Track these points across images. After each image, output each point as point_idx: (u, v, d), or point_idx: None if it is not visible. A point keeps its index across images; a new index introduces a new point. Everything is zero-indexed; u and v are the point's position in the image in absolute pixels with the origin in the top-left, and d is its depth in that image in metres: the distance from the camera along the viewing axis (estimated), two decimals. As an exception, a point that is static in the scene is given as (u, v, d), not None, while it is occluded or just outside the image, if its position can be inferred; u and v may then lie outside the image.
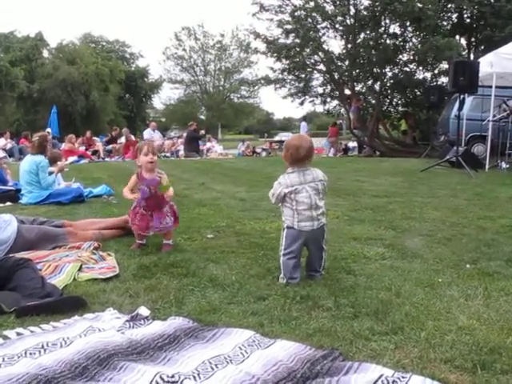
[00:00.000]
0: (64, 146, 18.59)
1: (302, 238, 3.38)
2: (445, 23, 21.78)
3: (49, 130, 21.11)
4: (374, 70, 22.84)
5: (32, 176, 7.12)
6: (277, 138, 33.99)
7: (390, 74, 23.37)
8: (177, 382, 1.95)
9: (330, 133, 23.36)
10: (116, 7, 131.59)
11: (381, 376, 2.00)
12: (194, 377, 2.06)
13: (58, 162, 8.17)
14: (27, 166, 7.21)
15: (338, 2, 21.66)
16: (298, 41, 22.69)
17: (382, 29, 21.72)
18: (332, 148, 23.59)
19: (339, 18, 21.92)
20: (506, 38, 14.69)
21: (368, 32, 22.30)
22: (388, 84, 23.46)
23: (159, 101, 57.54)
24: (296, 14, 22.41)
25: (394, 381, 1.98)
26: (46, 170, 7.23)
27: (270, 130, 66.81)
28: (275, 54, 23.33)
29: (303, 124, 25.20)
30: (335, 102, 26.34)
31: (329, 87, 25.14)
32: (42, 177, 7.14)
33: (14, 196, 7.39)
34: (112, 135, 22.50)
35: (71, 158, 16.50)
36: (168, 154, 21.07)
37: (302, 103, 25.75)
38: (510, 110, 12.37)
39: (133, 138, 21.07)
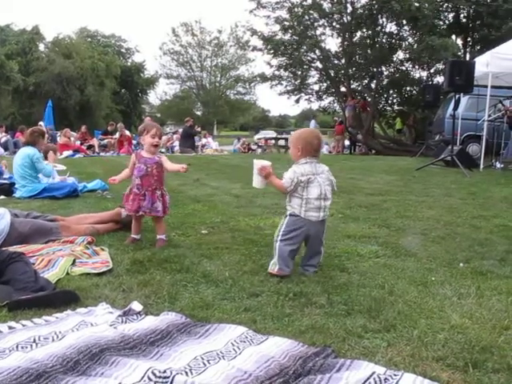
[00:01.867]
0: (59, 140, 18.55)
1: (305, 227, 3.39)
2: (441, 23, 21.81)
3: (41, 123, 21.03)
4: (370, 68, 22.87)
5: (25, 170, 7.09)
6: (258, 136, 33.09)
7: (386, 72, 23.42)
8: (169, 377, 1.95)
9: (336, 130, 23.34)
10: (112, 1, 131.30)
11: (373, 373, 2.00)
12: (186, 372, 2.06)
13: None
14: (20, 160, 7.19)
15: (335, 0, 21.66)
16: (294, 38, 22.69)
17: (379, 27, 21.74)
18: (336, 145, 23.56)
19: (336, 16, 21.92)
20: (502, 38, 14.71)
21: (364, 30, 22.32)
22: (384, 82, 23.49)
23: (155, 96, 57.55)
24: (293, 11, 22.40)
25: (385, 378, 1.98)
26: (41, 161, 7.21)
27: (266, 127, 66.84)
28: (272, 51, 23.32)
29: (312, 122, 25.12)
30: (331, 100, 26.40)
31: (325, 85, 25.16)
32: (39, 167, 7.13)
33: (8, 189, 7.36)
34: (108, 130, 22.48)
35: (66, 152, 16.46)
36: (163, 150, 21.04)
37: (297, 100, 25.81)
38: (505, 110, 12.40)
39: (127, 132, 21.02)
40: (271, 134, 37.26)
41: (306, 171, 3.39)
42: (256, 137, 33.26)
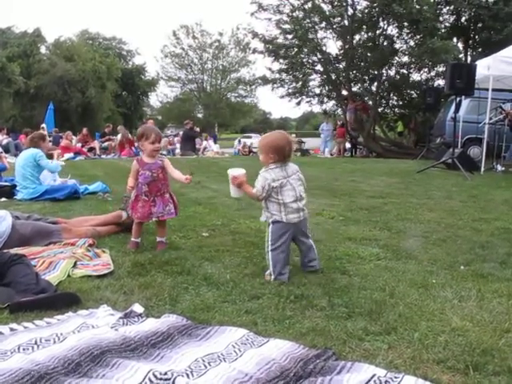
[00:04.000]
0: (61, 142, 18.61)
1: (290, 230, 3.44)
2: (442, 25, 21.82)
3: (43, 125, 21.09)
4: (371, 71, 22.89)
5: (27, 170, 7.12)
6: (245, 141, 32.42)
7: (386, 75, 23.43)
8: (169, 379, 1.95)
9: (338, 133, 23.31)
10: (112, 4, 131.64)
11: (373, 376, 2.00)
12: (187, 374, 2.06)
13: (55, 159, 8.20)
14: (23, 161, 7.23)
15: (335, 3, 21.67)
16: (295, 41, 22.71)
17: (380, 30, 21.76)
18: (337, 148, 23.52)
19: (337, 19, 21.94)
20: (503, 41, 14.73)
21: (365, 33, 22.34)
22: (385, 85, 23.49)
23: (156, 98, 57.61)
24: (294, 14, 22.43)
25: (386, 381, 1.98)
26: (44, 158, 7.30)
27: (267, 129, 66.78)
28: (273, 54, 23.35)
29: (324, 124, 24.97)
30: (332, 103, 26.41)
31: (326, 88, 25.16)
32: (44, 164, 7.25)
33: (9, 192, 7.37)
34: (105, 132, 22.51)
35: (67, 155, 16.49)
36: (164, 153, 21.05)
37: (298, 103, 25.82)
38: (506, 113, 12.41)
39: (130, 136, 20.98)
40: (255, 138, 37.05)
41: (277, 176, 3.40)
42: (236, 141, 32.99)
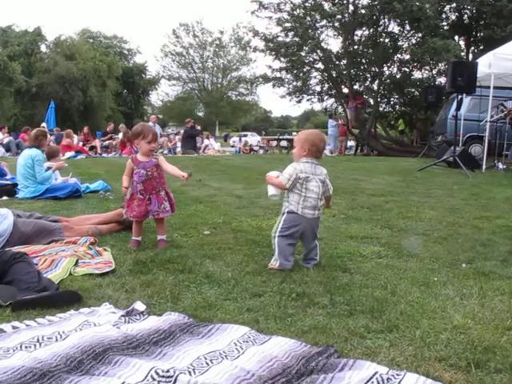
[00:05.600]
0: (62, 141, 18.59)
1: (302, 224, 3.54)
2: (444, 23, 21.77)
3: (44, 124, 21.10)
4: (372, 69, 22.87)
5: (27, 170, 7.11)
6: (233, 139, 32.70)
7: (387, 73, 23.41)
8: (172, 376, 1.95)
9: (340, 131, 23.30)
10: (113, 2, 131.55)
11: (375, 373, 2.00)
12: (189, 372, 2.07)
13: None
14: (23, 160, 7.21)
15: (336, 1, 21.63)
16: (296, 39, 22.68)
17: (381, 28, 21.73)
18: (338, 146, 23.52)
19: (338, 17, 21.90)
20: (506, 38, 14.69)
21: (366, 31, 22.30)
22: (386, 83, 23.45)
23: (157, 97, 57.64)
24: (295, 12, 22.40)
25: (388, 378, 1.99)
26: (41, 164, 7.21)
27: (268, 127, 66.88)
28: (273, 52, 23.32)
29: (330, 121, 24.96)
30: (333, 101, 26.40)
31: (326, 85, 25.14)
32: (37, 171, 7.13)
33: (10, 190, 7.37)
34: (107, 130, 22.56)
35: (68, 154, 16.49)
36: (166, 151, 21.05)
37: (299, 102, 25.82)
38: (507, 111, 12.40)
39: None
40: (251, 136, 37.21)
41: (305, 169, 3.54)
42: (232, 140, 33.19)
